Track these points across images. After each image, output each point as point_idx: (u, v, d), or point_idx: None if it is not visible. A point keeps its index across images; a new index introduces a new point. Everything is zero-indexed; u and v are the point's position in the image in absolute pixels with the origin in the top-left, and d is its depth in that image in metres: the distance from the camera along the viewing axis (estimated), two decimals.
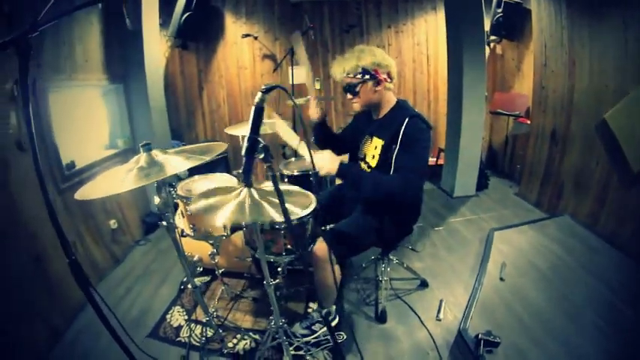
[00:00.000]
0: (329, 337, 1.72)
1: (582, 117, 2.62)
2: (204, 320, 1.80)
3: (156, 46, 3.18)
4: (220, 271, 2.20)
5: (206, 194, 1.21)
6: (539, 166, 3.08)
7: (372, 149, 1.68)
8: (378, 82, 1.56)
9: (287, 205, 0.92)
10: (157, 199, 1.43)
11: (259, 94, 0.90)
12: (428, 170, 1.64)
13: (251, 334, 1.86)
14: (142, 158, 1.31)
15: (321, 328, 1.77)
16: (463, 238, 2.70)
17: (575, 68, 2.61)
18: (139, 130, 3.24)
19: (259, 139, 0.93)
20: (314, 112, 1.86)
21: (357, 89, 1.58)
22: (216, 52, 4.06)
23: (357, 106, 1.65)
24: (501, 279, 2.04)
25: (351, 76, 1.56)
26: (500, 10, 3.43)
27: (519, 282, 2.01)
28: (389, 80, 1.59)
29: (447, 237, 2.74)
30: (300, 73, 3.50)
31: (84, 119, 2.66)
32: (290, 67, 3.56)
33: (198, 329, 1.92)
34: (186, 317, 2.03)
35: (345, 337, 1.79)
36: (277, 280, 2.14)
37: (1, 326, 1.63)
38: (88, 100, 2.72)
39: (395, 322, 1.90)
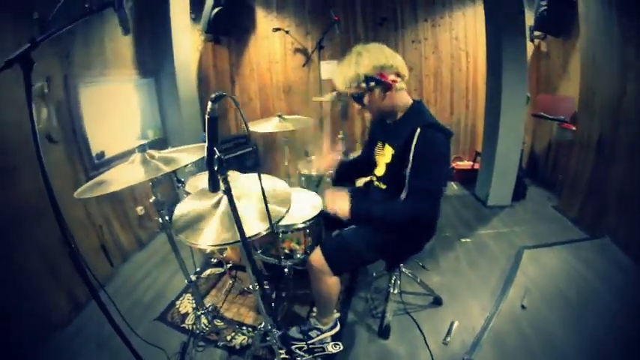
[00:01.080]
0: (323, 345, 1.70)
1: (633, 125, 2.24)
2: (208, 310, 1.85)
3: (185, 41, 3.27)
4: (229, 265, 2.26)
5: (186, 210, 1.19)
6: (583, 178, 2.70)
7: (383, 158, 1.55)
8: (386, 87, 1.38)
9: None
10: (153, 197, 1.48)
11: (209, 104, 0.85)
12: (445, 183, 1.50)
13: (249, 329, 1.87)
14: (137, 158, 1.38)
15: (317, 335, 1.71)
16: (490, 254, 2.46)
17: (628, 69, 2.22)
18: (169, 121, 3.39)
19: (215, 149, 0.89)
20: (326, 162, 1.82)
21: (365, 100, 1.42)
22: (248, 46, 4.08)
23: (368, 116, 1.52)
24: (522, 307, 1.83)
25: (355, 86, 1.39)
26: (544, 3, 3.01)
27: (542, 313, 1.78)
28: (399, 80, 1.40)
29: (473, 251, 2.52)
30: None
31: (116, 112, 2.82)
32: (319, 62, 3.52)
33: (203, 319, 1.95)
34: (194, 305, 2.08)
35: (341, 347, 1.71)
36: (265, 287, 2.15)
37: (36, 294, 1.85)
38: (120, 94, 2.87)
39: (398, 340, 1.78)
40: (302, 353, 1.68)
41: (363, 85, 1.37)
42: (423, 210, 1.38)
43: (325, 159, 1.91)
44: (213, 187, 0.97)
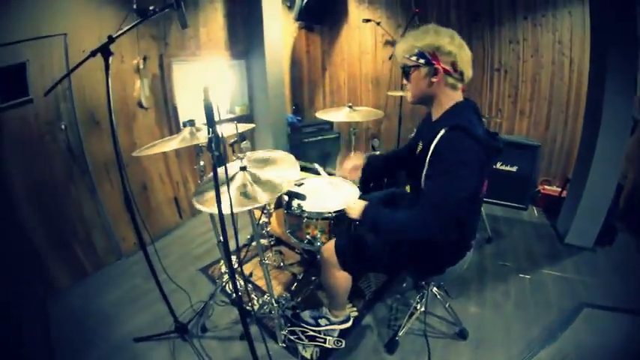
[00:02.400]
0: (326, 337, 1.72)
1: None
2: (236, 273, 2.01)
3: (276, 26, 3.48)
4: (272, 240, 2.42)
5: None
6: None
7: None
8: (435, 72, 1.23)
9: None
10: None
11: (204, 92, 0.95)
12: (472, 197, 1.24)
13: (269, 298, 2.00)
14: (186, 131, 1.62)
15: (326, 325, 1.75)
16: (545, 300, 2.08)
17: None
18: (256, 100, 3.71)
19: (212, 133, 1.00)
20: (348, 171, 1.75)
21: (410, 76, 1.30)
22: (340, 35, 4.17)
23: (408, 95, 1.36)
24: None
25: (407, 57, 1.28)
26: None
27: None
28: (453, 74, 1.24)
29: (528, 290, 2.17)
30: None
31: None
32: None
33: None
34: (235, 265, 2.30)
35: (342, 345, 1.71)
36: (272, 261, 2.36)
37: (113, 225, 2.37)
38: (212, 73, 3.25)
39: (402, 359, 1.70)
40: (303, 337, 1.74)
41: (414, 58, 1.25)
42: (429, 227, 1.19)
43: (345, 170, 1.78)
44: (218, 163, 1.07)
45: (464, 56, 1.23)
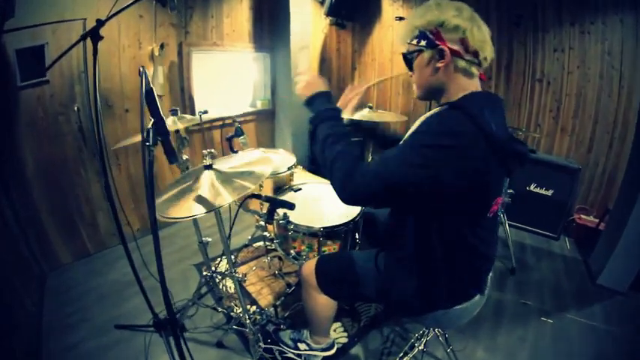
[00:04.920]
0: None
1: None
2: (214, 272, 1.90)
3: (303, 20, 3.37)
4: (268, 244, 2.31)
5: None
6: None
7: None
8: (440, 54, 0.96)
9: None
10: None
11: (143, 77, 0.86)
12: (436, 198, 0.92)
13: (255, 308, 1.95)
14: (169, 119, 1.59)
15: (304, 350, 1.58)
16: (567, 350, 1.80)
17: None
18: (278, 96, 3.62)
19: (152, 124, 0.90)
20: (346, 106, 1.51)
21: (412, 61, 1.04)
22: (372, 33, 3.99)
23: (414, 88, 1.09)
24: None
25: (408, 41, 1.02)
26: None
27: None
28: (464, 55, 0.95)
29: (548, 336, 1.89)
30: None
31: (227, 79, 3.19)
32: None
33: (229, 282, 2.10)
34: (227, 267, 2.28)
35: None
36: (268, 267, 2.25)
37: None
38: (234, 64, 3.22)
39: None
40: (279, 358, 1.61)
41: (414, 42, 1.00)
42: (357, 184, 0.91)
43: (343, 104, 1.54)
44: (170, 159, 0.99)
45: (476, 32, 0.94)
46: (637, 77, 2.49)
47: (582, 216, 2.84)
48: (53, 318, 1.87)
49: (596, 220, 2.71)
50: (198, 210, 1.06)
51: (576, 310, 2.08)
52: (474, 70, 0.98)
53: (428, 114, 1.02)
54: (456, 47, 0.95)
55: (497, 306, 2.09)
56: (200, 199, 1.11)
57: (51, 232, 2.17)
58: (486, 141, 0.86)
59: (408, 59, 1.05)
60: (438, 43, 0.95)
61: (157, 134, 0.89)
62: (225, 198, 1.11)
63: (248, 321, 1.55)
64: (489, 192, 0.97)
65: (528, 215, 2.83)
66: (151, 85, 0.91)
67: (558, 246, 2.78)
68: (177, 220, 1.06)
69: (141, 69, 0.87)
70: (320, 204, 1.82)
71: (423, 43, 0.98)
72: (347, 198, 0.95)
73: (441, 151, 0.86)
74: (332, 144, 1.01)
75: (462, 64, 0.96)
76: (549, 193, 2.71)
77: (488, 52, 0.97)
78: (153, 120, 0.88)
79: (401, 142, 0.98)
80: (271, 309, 1.93)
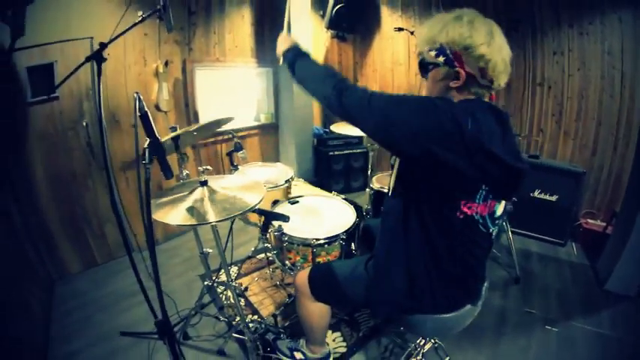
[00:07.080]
0: None
1: None
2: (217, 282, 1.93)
3: (304, 34, 3.46)
4: (269, 255, 2.32)
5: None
6: None
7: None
8: (455, 76, 0.94)
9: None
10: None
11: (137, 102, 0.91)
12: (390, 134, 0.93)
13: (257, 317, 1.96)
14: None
15: (300, 359, 1.59)
16: (570, 358, 1.76)
17: None
18: (282, 110, 3.69)
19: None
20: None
21: (428, 74, 1.02)
22: (372, 45, 4.06)
23: (424, 92, 1.08)
24: None
25: (426, 50, 1.00)
26: None
27: None
28: (480, 80, 0.94)
29: (553, 345, 1.84)
30: None
31: (231, 94, 3.28)
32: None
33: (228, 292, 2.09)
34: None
35: None
36: (270, 277, 2.28)
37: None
38: (237, 79, 3.31)
39: None
40: None
41: (432, 53, 0.97)
42: (355, 97, 0.98)
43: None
44: (167, 174, 1.04)
45: (500, 62, 0.91)
46: (639, 76, 2.47)
47: (589, 220, 2.79)
48: (60, 324, 1.94)
49: (604, 224, 2.65)
50: (185, 220, 1.16)
51: (583, 318, 2.03)
52: (485, 92, 0.98)
53: None
54: (473, 72, 0.93)
55: (499, 315, 2.06)
56: (190, 211, 1.19)
57: (60, 243, 2.25)
58: (460, 135, 0.84)
59: (424, 65, 1.03)
60: (456, 64, 0.93)
61: (152, 153, 0.94)
62: (210, 217, 1.19)
63: (247, 330, 1.58)
64: (446, 180, 0.92)
65: (534, 222, 2.80)
66: (146, 109, 0.98)
67: (565, 252, 2.73)
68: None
69: (135, 95, 0.93)
70: (315, 216, 1.86)
71: (440, 59, 0.95)
72: (338, 100, 1.01)
73: (413, 104, 0.91)
74: (316, 63, 1.18)
75: (474, 89, 0.96)
76: (554, 198, 2.68)
77: (502, 80, 0.96)
78: (149, 140, 0.94)
79: None
80: (271, 318, 1.95)
